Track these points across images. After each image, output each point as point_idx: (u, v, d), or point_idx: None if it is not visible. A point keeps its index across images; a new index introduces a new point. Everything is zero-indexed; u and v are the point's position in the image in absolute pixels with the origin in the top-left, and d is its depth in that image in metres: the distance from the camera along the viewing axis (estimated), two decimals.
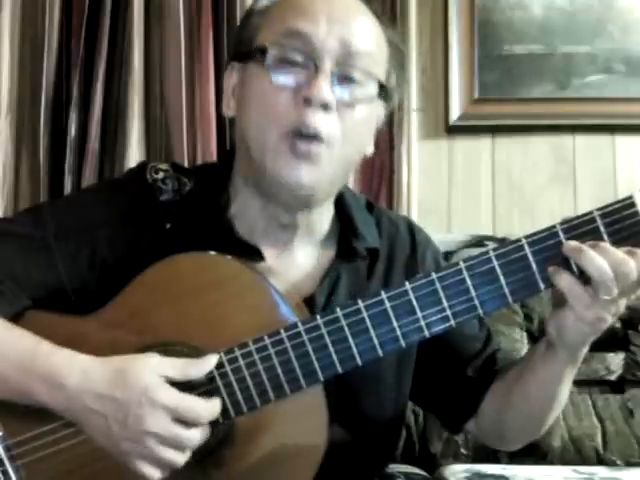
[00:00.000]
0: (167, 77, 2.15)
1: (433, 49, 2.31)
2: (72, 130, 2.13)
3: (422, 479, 1.61)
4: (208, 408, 1.00)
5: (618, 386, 1.90)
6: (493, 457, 1.80)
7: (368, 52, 1.10)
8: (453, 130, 2.30)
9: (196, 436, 1.00)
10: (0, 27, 2.15)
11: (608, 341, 1.88)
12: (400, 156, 2.19)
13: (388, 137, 2.19)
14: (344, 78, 1.09)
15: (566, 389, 1.14)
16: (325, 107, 1.06)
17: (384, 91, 1.13)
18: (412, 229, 1.27)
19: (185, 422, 0.99)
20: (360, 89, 1.10)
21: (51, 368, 1.02)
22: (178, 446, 0.99)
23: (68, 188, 2.12)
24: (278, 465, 1.04)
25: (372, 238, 1.20)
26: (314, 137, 1.07)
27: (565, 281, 0.97)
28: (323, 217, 1.18)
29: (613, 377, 1.89)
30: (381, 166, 2.20)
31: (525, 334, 1.91)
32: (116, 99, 2.16)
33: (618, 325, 1.89)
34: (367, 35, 1.11)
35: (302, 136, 1.07)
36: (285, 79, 1.08)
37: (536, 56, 2.27)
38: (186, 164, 2.09)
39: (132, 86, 2.13)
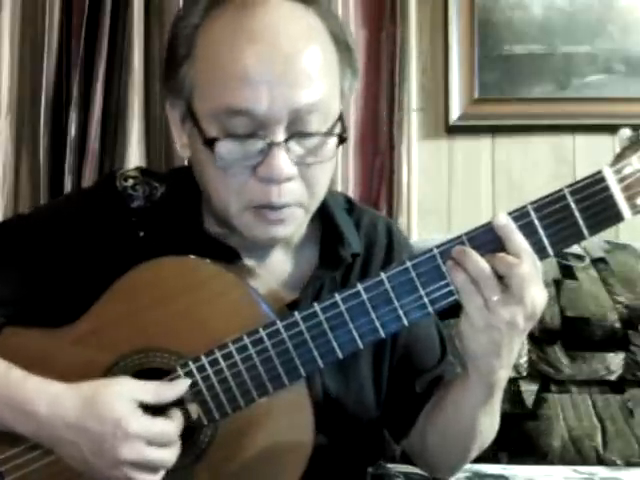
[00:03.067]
0: None
1: (433, 49, 2.31)
2: (72, 130, 2.14)
3: (422, 479, 1.61)
4: (175, 426, 1.00)
5: (618, 386, 1.90)
6: (493, 457, 1.80)
7: (320, 99, 1.01)
8: (453, 130, 2.29)
9: (170, 456, 1.00)
10: (0, 27, 2.15)
11: (608, 341, 1.88)
12: (400, 156, 2.19)
13: (388, 137, 2.19)
14: (299, 136, 1.01)
15: (486, 421, 1.10)
16: (287, 180, 1.01)
17: (341, 120, 1.05)
18: (390, 231, 1.23)
19: (158, 444, 0.99)
20: (318, 138, 1.03)
21: (21, 396, 1.01)
22: (153, 468, 0.99)
23: (68, 188, 2.12)
24: (267, 463, 1.04)
25: (355, 242, 1.17)
26: (280, 207, 1.03)
27: (459, 278, 0.96)
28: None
29: (613, 377, 1.89)
30: (381, 166, 2.20)
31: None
32: (116, 99, 2.16)
33: (618, 325, 1.89)
34: (315, 76, 1.01)
35: (268, 209, 1.03)
36: (237, 163, 1.01)
37: (536, 56, 2.27)
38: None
39: (132, 86, 2.13)
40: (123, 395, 0.99)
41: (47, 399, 1.00)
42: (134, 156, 2.12)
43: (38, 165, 2.15)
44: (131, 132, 2.13)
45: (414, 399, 1.19)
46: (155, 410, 1.00)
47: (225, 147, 1.00)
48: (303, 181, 1.04)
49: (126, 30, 2.15)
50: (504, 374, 1.03)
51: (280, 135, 1.00)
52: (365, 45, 2.19)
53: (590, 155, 2.27)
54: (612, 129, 2.23)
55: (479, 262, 0.95)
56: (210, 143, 1.01)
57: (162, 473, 1.00)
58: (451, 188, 2.31)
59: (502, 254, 0.95)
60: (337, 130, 1.04)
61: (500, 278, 0.95)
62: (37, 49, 2.17)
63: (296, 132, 1.01)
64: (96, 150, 2.14)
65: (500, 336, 0.96)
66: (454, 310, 1.01)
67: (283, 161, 1.00)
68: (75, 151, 2.15)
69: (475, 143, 2.31)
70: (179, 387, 1.01)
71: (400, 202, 2.18)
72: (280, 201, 1.02)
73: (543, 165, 2.29)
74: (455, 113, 2.28)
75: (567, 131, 2.29)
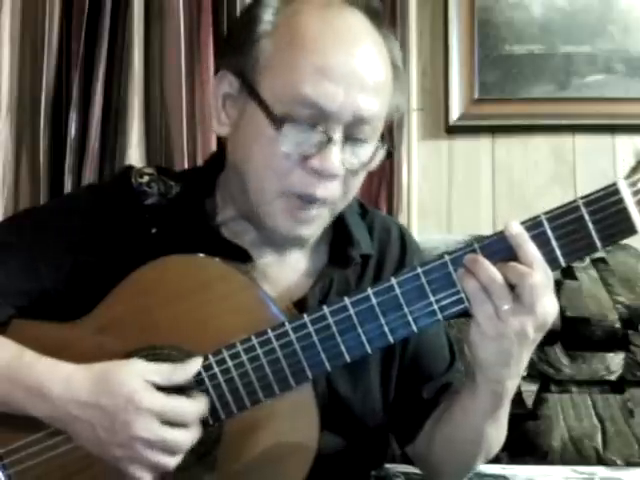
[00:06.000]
0: (167, 77, 2.15)
1: (433, 49, 2.31)
2: (72, 130, 2.13)
3: (422, 479, 1.61)
4: (195, 407, 1.00)
5: (618, 386, 1.90)
6: (493, 457, 1.80)
7: (378, 112, 1.07)
8: (453, 130, 2.29)
9: (186, 437, 0.99)
10: (0, 27, 2.15)
11: (608, 341, 1.88)
12: (400, 156, 2.19)
13: (388, 137, 2.19)
14: (352, 141, 1.06)
15: (493, 432, 1.11)
16: (333, 178, 1.05)
17: (383, 137, 1.11)
18: (403, 236, 1.26)
19: (174, 424, 0.98)
20: (366, 149, 1.08)
21: (34, 378, 1.01)
22: (168, 449, 0.98)
23: (68, 188, 2.12)
24: (271, 464, 1.04)
25: (365, 244, 1.19)
26: (317, 202, 1.07)
27: (470, 286, 0.95)
28: None
29: (613, 377, 1.89)
30: (381, 166, 2.18)
31: None
32: (116, 99, 2.16)
33: (618, 325, 1.89)
34: (379, 90, 1.07)
35: (304, 200, 1.06)
36: (294, 147, 1.04)
37: (536, 56, 2.27)
38: (186, 164, 2.09)
39: (132, 86, 2.13)
40: (135, 373, 0.99)
41: (60, 379, 1.01)
42: (134, 156, 2.11)
43: (38, 165, 2.15)
44: (131, 132, 2.12)
45: (421, 405, 1.20)
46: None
47: (289, 130, 1.03)
48: (342, 184, 1.07)
49: (126, 30, 2.14)
50: (512, 384, 1.03)
51: (338, 134, 1.04)
52: None
53: (590, 155, 2.27)
54: (612, 129, 2.26)
55: (491, 271, 0.94)
56: (279, 122, 1.02)
57: (179, 456, 0.99)
58: (451, 188, 2.31)
59: (514, 263, 0.95)
60: (385, 144, 1.09)
61: (511, 287, 0.95)
62: (37, 49, 2.17)
63: (351, 136, 1.05)
64: (96, 150, 2.14)
65: (510, 345, 0.96)
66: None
67: (336, 158, 1.04)
68: (75, 151, 2.14)
69: (475, 143, 2.31)
70: (190, 369, 1.01)
71: (400, 202, 2.18)
72: (322, 195, 1.06)
73: (543, 165, 2.29)
74: (455, 113, 2.28)
75: (567, 131, 2.29)
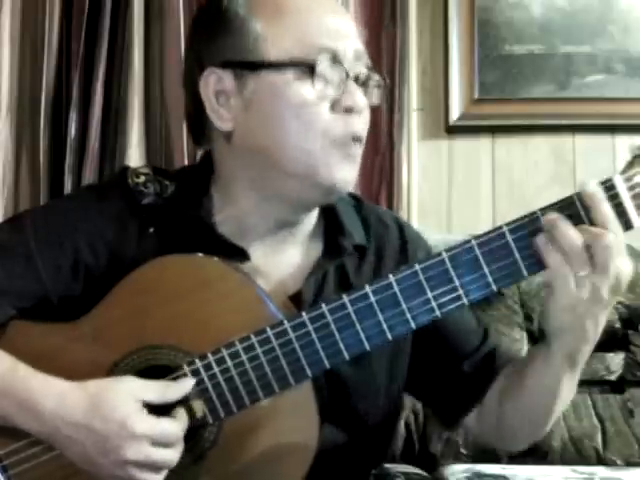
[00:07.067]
0: (167, 77, 2.15)
1: (433, 49, 2.31)
2: (72, 130, 2.13)
3: (422, 479, 1.62)
4: (181, 426, 1.01)
5: (618, 386, 1.90)
6: (493, 457, 1.80)
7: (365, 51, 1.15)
8: (453, 130, 2.29)
9: (173, 457, 1.01)
10: (0, 27, 2.15)
11: (608, 341, 1.88)
12: (400, 156, 2.18)
13: (388, 137, 2.19)
14: (360, 81, 1.12)
15: (566, 392, 1.11)
16: (361, 113, 1.10)
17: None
18: (401, 227, 1.26)
19: (163, 445, 1.00)
20: (368, 88, 1.14)
21: (28, 393, 1.01)
22: (156, 468, 1.00)
23: (68, 188, 2.12)
24: (270, 463, 1.04)
25: (359, 235, 1.19)
26: (358, 141, 1.11)
27: (552, 256, 0.95)
28: (313, 214, 1.18)
29: (613, 377, 1.89)
30: (381, 166, 2.20)
31: (525, 334, 1.92)
32: (116, 99, 2.16)
33: (618, 325, 1.89)
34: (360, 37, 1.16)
35: (350, 142, 1.10)
36: (326, 90, 1.08)
37: (536, 56, 2.27)
38: (187, 164, 2.09)
39: (132, 86, 2.13)
40: (128, 394, 1.00)
41: (53, 398, 1.01)
42: (134, 156, 2.12)
43: (38, 165, 2.15)
44: (131, 132, 2.13)
45: (466, 381, 1.21)
46: (160, 408, 1.01)
47: (317, 78, 1.08)
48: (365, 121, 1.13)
49: (126, 30, 2.14)
50: (588, 348, 1.03)
51: (352, 73, 1.10)
52: (365, 45, 2.19)
53: (590, 155, 2.28)
54: (612, 129, 2.27)
55: (571, 236, 0.94)
56: (310, 69, 1.07)
57: (165, 473, 1.01)
58: (451, 188, 2.31)
59: (585, 225, 0.95)
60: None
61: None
62: (37, 49, 2.17)
63: (357, 72, 1.11)
64: (96, 150, 2.14)
65: (585, 310, 0.96)
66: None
67: (360, 93, 1.10)
68: (75, 151, 2.14)
69: (475, 143, 2.31)
70: (184, 386, 1.02)
71: (400, 202, 2.17)
72: (361, 130, 1.11)
73: (543, 165, 2.29)
74: (455, 113, 2.28)
75: (567, 131, 2.29)
